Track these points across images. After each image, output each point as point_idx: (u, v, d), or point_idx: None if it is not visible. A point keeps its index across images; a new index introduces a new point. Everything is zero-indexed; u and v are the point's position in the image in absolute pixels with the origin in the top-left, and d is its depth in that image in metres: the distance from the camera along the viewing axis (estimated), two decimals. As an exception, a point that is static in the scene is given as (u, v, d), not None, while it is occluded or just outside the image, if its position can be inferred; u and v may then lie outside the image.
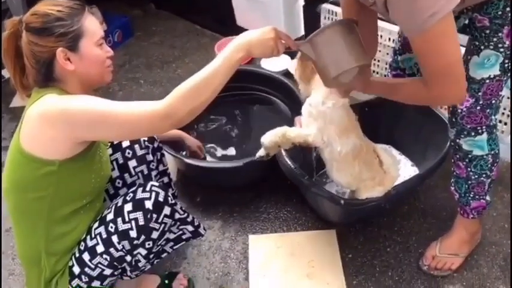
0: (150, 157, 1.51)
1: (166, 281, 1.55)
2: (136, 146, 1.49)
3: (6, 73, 2.67)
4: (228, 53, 1.12)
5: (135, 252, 1.30)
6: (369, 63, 1.16)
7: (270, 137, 1.39)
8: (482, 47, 1.21)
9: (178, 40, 2.89)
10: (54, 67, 1.19)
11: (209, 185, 1.92)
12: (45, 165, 1.17)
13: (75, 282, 1.32)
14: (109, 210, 1.30)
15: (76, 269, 1.31)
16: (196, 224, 1.47)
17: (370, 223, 1.73)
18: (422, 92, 1.17)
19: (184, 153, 1.90)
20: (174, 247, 1.48)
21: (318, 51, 1.14)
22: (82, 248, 1.31)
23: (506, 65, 1.22)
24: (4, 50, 1.20)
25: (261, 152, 1.44)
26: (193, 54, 2.75)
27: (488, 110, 1.30)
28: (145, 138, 1.51)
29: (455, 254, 1.55)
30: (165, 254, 1.47)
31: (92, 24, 1.21)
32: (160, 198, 1.28)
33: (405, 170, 1.78)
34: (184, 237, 1.47)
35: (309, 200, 1.76)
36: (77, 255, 1.31)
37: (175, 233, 1.44)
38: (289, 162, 1.55)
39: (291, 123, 1.90)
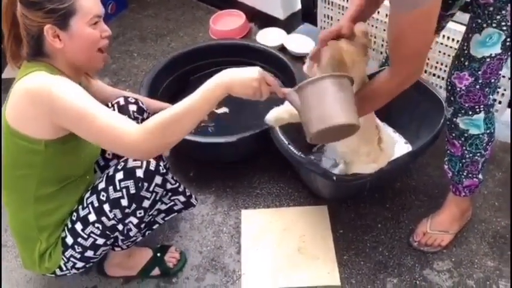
0: None
1: (159, 254, 1.57)
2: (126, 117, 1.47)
3: (-3, 44, 2.63)
4: (207, 89, 1.07)
5: (126, 221, 1.30)
6: (358, 124, 1.09)
7: (276, 114, 1.35)
8: (484, 25, 1.19)
9: (173, 13, 2.84)
10: (43, 42, 1.16)
11: (202, 160, 1.91)
12: (30, 143, 1.16)
13: (69, 252, 1.33)
14: (101, 179, 1.30)
15: (69, 240, 1.32)
16: (187, 194, 1.47)
17: (362, 199, 1.74)
18: (389, 84, 1.17)
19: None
20: (166, 218, 1.49)
21: (304, 103, 1.07)
22: (74, 218, 1.31)
23: (507, 44, 1.20)
24: (2, 16, 1.17)
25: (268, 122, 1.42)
26: (188, 28, 2.70)
27: (487, 89, 1.29)
28: (135, 109, 1.49)
29: (445, 230, 1.57)
30: (156, 225, 1.48)
31: (88, 2, 1.15)
32: (152, 167, 1.27)
33: (398, 147, 1.79)
34: (175, 208, 1.48)
35: (301, 176, 1.77)
36: (70, 225, 1.32)
37: (166, 204, 1.44)
38: (282, 138, 1.55)
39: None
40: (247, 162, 1.90)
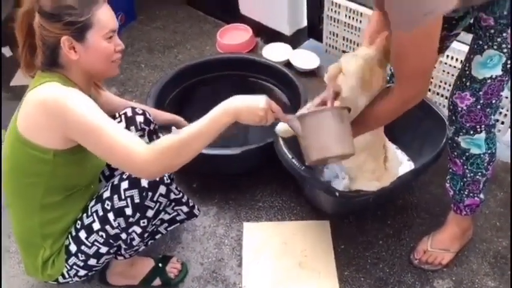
0: (145, 139, 1.52)
1: (160, 264, 1.57)
2: (132, 128, 1.50)
3: (7, 51, 2.66)
4: (215, 115, 1.10)
5: (130, 230, 1.32)
6: (353, 153, 1.16)
7: (286, 127, 1.36)
8: (485, 47, 1.21)
9: (181, 25, 2.88)
10: (59, 53, 1.18)
11: (206, 172, 1.93)
12: (40, 152, 1.17)
13: (72, 260, 1.34)
14: (106, 188, 1.32)
15: (73, 248, 1.33)
16: (191, 204, 1.49)
17: (364, 215, 1.75)
18: (394, 103, 1.20)
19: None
20: (169, 228, 1.50)
21: (305, 131, 1.15)
22: (78, 226, 1.32)
23: (508, 66, 1.22)
24: (18, 25, 1.19)
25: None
26: (195, 40, 2.74)
27: (488, 110, 1.30)
28: (142, 120, 1.52)
29: (446, 249, 1.57)
30: (159, 235, 1.49)
31: (105, 16, 1.18)
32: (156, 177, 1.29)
33: (401, 166, 1.80)
34: (178, 218, 1.49)
35: (304, 190, 1.78)
36: (74, 233, 1.33)
37: (170, 214, 1.46)
38: (286, 152, 1.56)
39: (289, 113, 1.91)
40: (251, 174, 1.91)
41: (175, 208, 1.46)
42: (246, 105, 1.11)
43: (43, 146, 1.16)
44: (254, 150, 1.71)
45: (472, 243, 1.64)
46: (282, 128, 1.42)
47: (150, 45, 2.72)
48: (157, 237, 1.49)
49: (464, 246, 1.62)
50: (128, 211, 1.28)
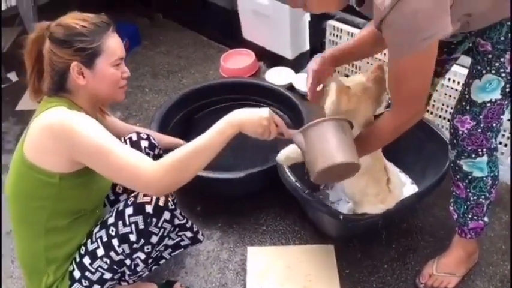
0: None
1: (164, 289, 1.57)
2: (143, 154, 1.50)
3: (13, 77, 2.71)
4: (220, 128, 1.14)
5: (134, 256, 1.31)
6: (358, 163, 1.17)
7: (286, 154, 1.42)
8: (484, 71, 1.23)
9: (185, 50, 2.93)
10: (67, 78, 1.22)
11: (209, 195, 1.93)
12: (46, 176, 1.18)
13: (76, 286, 1.33)
14: (110, 214, 1.32)
15: (76, 274, 1.32)
16: (195, 230, 1.48)
17: (368, 239, 1.74)
18: (392, 124, 1.22)
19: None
20: (172, 253, 1.50)
21: (308, 144, 1.15)
22: (82, 252, 1.32)
23: (507, 90, 1.23)
24: (27, 51, 1.23)
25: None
26: (199, 65, 2.78)
27: (489, 133, 1.31)
28: (146, 145, 1.53)
29: (452, 273, 1.56)
30: (163, 261, 1.49)
31: (113, 44, 1.23)
32: (161, 203, 1.29)
33: (406, 188, 1.80)
34: (183, 243, 1.49)
35: (308, 214, 1.77)
36: (78, 259, 1.32)
37: (174, 239, 1.45)
38: (290, 176, 1.57)
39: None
40: (254, 198, 1.91)
41: (180, 233, 1.46)
42: (250, 116, 1.15)
43: (49, 170, 1.17)
44: (257, 173, 1.72)
45: (478, 266, 1.63)
46: (283, 156, 1.43)
47: (155, 70, 2.76)
48: (161, 262, 1.49)
49: (471, 270, 1.61)
50: (132, 237, 1.28)
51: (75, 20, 1.20)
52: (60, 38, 1.18)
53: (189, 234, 1.47)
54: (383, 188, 1.46)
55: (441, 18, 1.02)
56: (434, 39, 1.03)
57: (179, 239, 1.47)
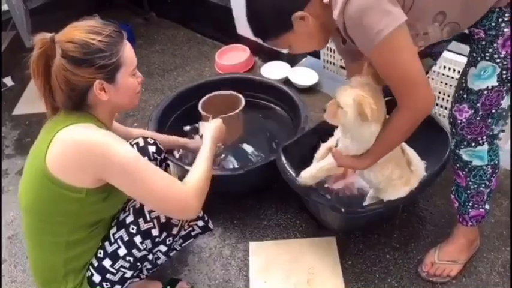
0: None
1: (169, 287, 1.57)
2: (146, 158, 1.49)
3: (8, 81, 2.70)
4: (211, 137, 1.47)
5: (155, 250, 1.33)
6: None
7: (311, 175, 1.50)
8: (479, 58, 1.23)
9: (179, 48, 2.92)
10: (88, 96, 1.18)
11: (210, 192, 1.92)
12: (72, 192, 1.16)
13: None
14: (127, 213, 1.31)
15: (96, 278, 1.31)
16: (206, 218, 1.51)
17: (370, 230, 1.74)
18: (402, 118, 1.23)
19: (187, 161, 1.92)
20: (183, 244, 1.52)
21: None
22: (101, 255, 1.31)
23: (504, 76, 1.23)
24: (33, 70, 1.16)
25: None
26: (195, 63, 2.77)
27: (489, 120, 1.30)
28: (154, 150, 1.51)
29: (454, 260, 1.56)
30: (173, 252, 1.50)
31: (130, 54, 1.20)
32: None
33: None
34: (193, 233, 1.51)
35: (309, 208, 1.77)
36: (96, 264, 1.31)
37: (185, 230, 1.47)
38: (290, 170, 1.57)
39: (290, 130, 1.93)
40: (255, 193, 1.91)
41: (191, 223, 1.48)
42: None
43: (75, 185, 1.15)
44: (258, 169, 1.72)
45: (479, 253, 1.63)
46: (307, 178, 1.51)
47: (150, 69, 2.75)
48: (171, 254, 1.49)
49: (472, 256, 1.61)
50: (155, 232, 1.29)
51: (86, 33, 1.13)
52: (78, 57, 1.12)
53: (200, 223, 1.50)
54: (405, 169, 1.47)
55: (387, 9, 1.06)
56: (387, 31, 1.07)
57: (190, 229, 1.49)
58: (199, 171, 1.27)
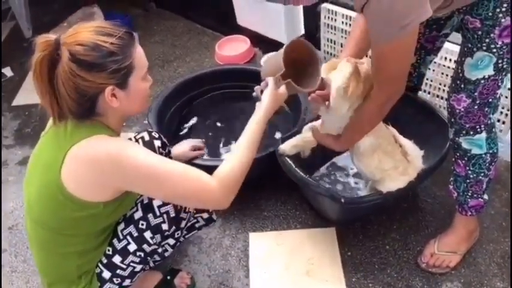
0: None
1: (169, 277, 1.58)
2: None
3: (8, 72, 2.69)
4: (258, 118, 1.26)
5: (163, 243, 1.34)
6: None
7: (290, 146, 1.51)
8: (475, 49, 1.23)
9: (179, 39, 2.90)
10: (98, 102, 1.10)
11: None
12: (89, 207, 1.14)
13: (107, 286, 1.32)
14: (135, 209, 1.29)
15: (106, 274, 1.30)
16: (210, 210, 1.51)
17: (369, 221, 1.75)
18: (374, 103, 1.25)
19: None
20: (187, 236, 1.52)
21: None
22: (110, 252, 1.29)
23: (500, 65, 1.23)
24: (37, 74, 1.06)
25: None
26: (194, 53, 2.76)
27: (486, 109, 1.31)
28: (159, 144, 1.50)
29: (453, 251, 1.57)
30: (178, 244, 1.50)
31: (142, 56, 1.13)
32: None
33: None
34: (197, 225, 1.51)
35: (309, 198, 1.78)
36: (105, 260, 1.30)
37: (190, 221, 1.47)
38: (289, 161, 1.56)
39: (291, 121, 1.92)
40: (254, 184, 1.91)
41: (196, 215, 1.48)
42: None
43: (93, 201, 1.13)
44: (257, 159, 1.70)
45: (479, 244, 1.64)
46: (287, 148, 1.51)
47: (149, 60, 2.67)
48: (177, 246, 1.49)
49: (472, 247, 1.62)
50: (165, 226, 1.28)
51: (96, 35, 1.05)
52: (89, 61, 1.03)
53: (205, 215, 1.50)
54: (400, 160, 1.47)
55: (420, 4, 1.04)
56: (413, 25, 1.05)
57: (194, 220, 1.49)
58: (235, 159, 1.17)
